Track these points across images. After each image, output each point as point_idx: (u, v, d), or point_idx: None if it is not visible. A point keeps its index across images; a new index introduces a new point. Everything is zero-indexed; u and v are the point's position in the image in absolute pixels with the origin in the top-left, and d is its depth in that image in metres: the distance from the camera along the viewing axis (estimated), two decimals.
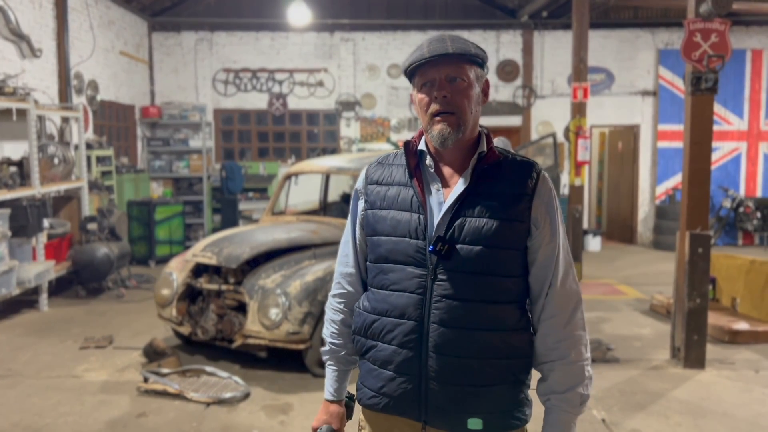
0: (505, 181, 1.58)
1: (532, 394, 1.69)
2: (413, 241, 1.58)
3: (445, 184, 1.62)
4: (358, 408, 1.78)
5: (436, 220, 1.57)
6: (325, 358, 1.80)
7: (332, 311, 1.79)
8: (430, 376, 1.56)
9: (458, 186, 1.58)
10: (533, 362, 1.64)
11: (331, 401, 1.78)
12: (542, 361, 1.61)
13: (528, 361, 1.62)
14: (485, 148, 1.60)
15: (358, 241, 1.75)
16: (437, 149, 1.63)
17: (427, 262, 1.56)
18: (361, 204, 1.72)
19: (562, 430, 1.57)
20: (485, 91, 1.63)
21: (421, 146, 1.66)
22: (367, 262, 1.71)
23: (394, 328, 1.59)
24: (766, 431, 3.86)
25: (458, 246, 1.54)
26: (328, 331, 1.79)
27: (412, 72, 1.60)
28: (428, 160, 1.63)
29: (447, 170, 1.63)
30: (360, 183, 1.74)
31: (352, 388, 1.79)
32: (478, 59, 1.57)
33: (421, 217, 1.58)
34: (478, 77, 1.59)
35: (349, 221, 1.78)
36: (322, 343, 1.83)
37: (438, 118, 1.56)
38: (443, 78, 1.55)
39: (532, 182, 1.58)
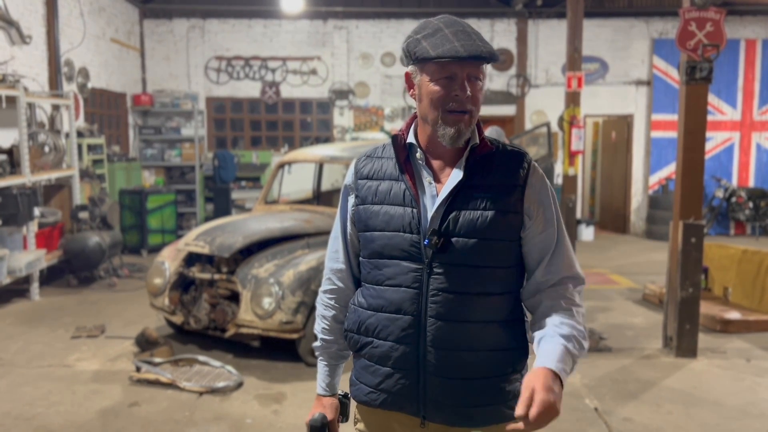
0: (497, 173, 1.57)
1: None
2: (407, 235, 1.56)
3: (437, 177, 1.60)
4: (352, 403, 1.76)
5: (430, 214, 1.55)
6: (316, 353, 1.79)
7: (323, 307, 1.77)
8: (429, 370, 1.55)
9: (452, 179, 1.56)
10: (534, 322, 1.60)
11: (324, 395, 1.77)
12: (544, 317, 1.55)
13: (523, 351, 1.63)
14: (477, 140, 1.59)
15: (348, 237, 1.72)
16: (428, 142, 1.60)
17: (422, 256, 1.55)
18: (352, 199, 1.69)
19: (562, 356, 1.45)
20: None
21: (410, 139, 1.63)
22: (361, 258, 1.69)
23: (390, 323, 1.58)
24: (756, 419, 3.88)
25: (453, 239, 1.53)
26: (319, 326, 1.78)
27: (427, 58, 1.50)
28: (419, 154, 1.61)
29: (437, 163, 1.61)
30: (349, 178, 1.71)
31: (346, 387, 1.77)
32: (495, 62, 1.55)
33: (415, 211, 1.56)
34: (485, 75, 1.58)
35: (338, 216, 1.75)
36: (315, 338, 1.82)
37: (453, 116, 1.52)
38: (465, 76, 1.51)
39: (523, 173, 1.57)
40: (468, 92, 1.50)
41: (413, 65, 1.56)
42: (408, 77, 1.60)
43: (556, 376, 1.41)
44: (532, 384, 1.38)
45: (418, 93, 1.57)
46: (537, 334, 1.54)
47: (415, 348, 1.55)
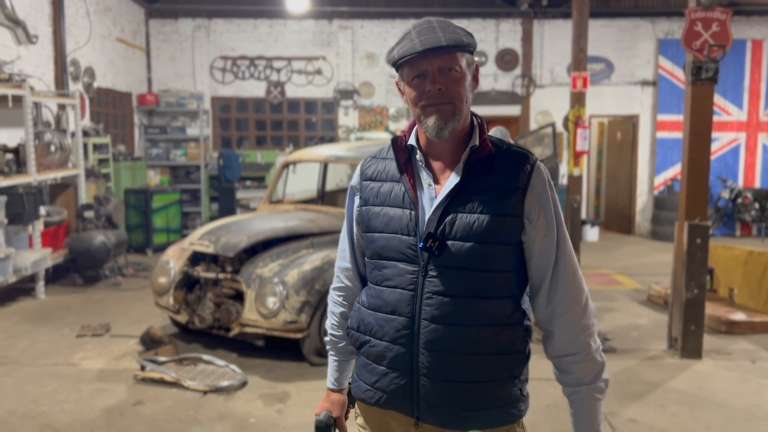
0: (497, 175, 1.54)
1: (531, 384, 1.69)
2: (405, 237, 1.55)
3: (437, 179, 1.59)
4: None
5: (427, 216, 1.54)
6: (327, 347, 1.84)
7: (332, 303, 1.82)
8: (422, 372, 1.54)
9: (450, 181, 1.55)
10: (550, 354, 1.62)
11: (333, 390, 1.81)
12: (562, 354, 1.58)
13: (522, 356, 1.60)
14: (477, 141, 1.57)
15: (354, 237, 1.74)
16: (428, 143, 1.60)
17: (418, 259, 1.54)
18: (357, 200, 1.71)
19: (595, 417, 1.57)
20: (475, 77, 1.59)
21: (411, 141, 1.63)
22: (365, 258, 1.70)
23: (386, 324, 1.58)
24: (762, 421, 3.87)
25: (449, 242, 1.51)
26: (329, 322, 1.83)
27: (400, 63, 1.54)
28: (418, 155, 1.60)
29: (437, 165, 1.60)
30: (355, 179, 1.73)
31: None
32: (470, 48, 1.53)
33: (413, 213, 1.55)
34: (469, 64, 1.55)
35: (346, 216, 1.78)
36: (326, 333, 1.87)
37: (432, 108, 1.51)
38: (435, 70, 1.49)
39: (525, 175, 1.53)
40: (438, 85, 1.50)
41: (397, 73, 1.60)
42: (398, 85, 1.62)
43: None
44: None
45: (405, 97, 1.59)
46: (566, 385, 1.60)
47: (409, 349, 1.55)
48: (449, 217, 1.52)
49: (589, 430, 1.57)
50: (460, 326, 1.52)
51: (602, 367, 1.58)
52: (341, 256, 1.79)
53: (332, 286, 1.82)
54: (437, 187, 1.57)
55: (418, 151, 1.61)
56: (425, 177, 1.59)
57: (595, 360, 1.57)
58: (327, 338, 1.83)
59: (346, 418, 1.81)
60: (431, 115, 1.52)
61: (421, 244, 1.52)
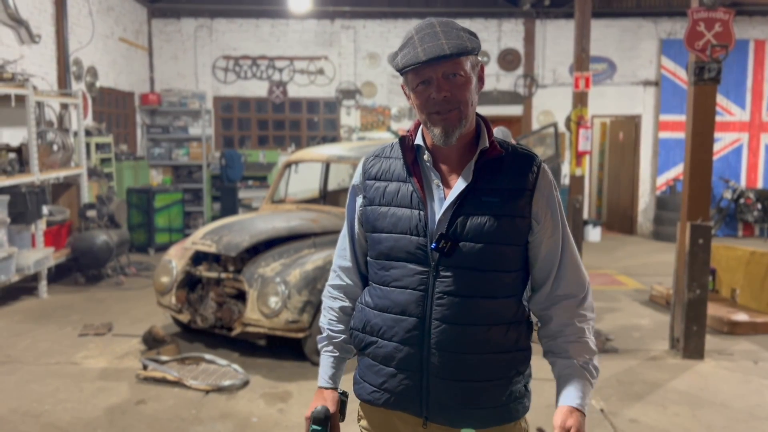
0: (505, 176, 1.55)
1: (533, 384, 1.70)
2: (414, 238, 1.55)
3: (445, 179, 1.59)
4: (354, 400, 1.74)
5: (437, 217, 1.55)
6: (321, 345, 1.76)
7: (330, 299, 1.77)
8: (432, 372, 1.55)
9: (460, 182, 1.55)
10: (544, 340, 1.65)
11: (326, 388, 1.71)
12: (557, 336, 1.61)
13: (526, 353, 1.62)
14: (487, 143, 1.57)
15: (356, 236, 1.72)
16: (434, 143, 1.59)
17: (428, 259, 1.54)
18: (360, 200, 1.69)
19: (581, 390, 1.55)
20: (481, 78, 1.59)
21: (418, 140, 1.62)
22: (368, 258, 1.68)
23: (395, 324, 1.58)
24: (763, 422, 3.86)
25: (460, 243, 1.52)
26: (325, 318, 1.77)
27: (399, 71, 1.54)
28: (426, 156, 1.60)
29: (445, 165, 1.60)
30: (357, 178, 1.70)
31: (345, 386, 1.75)
32: (474, 52, 1.51)
33: (422, 213, 1.55)
34: (474, 66, 1.54)
35: (346, 215, 1.75)
36: (320, 332, 1.80)
37: (438, 117, 1.51)
38: (440, 76, 1.49)
39: (532, 176, 1.56)
40: (443, 93, 1.49)
41: (402, 76, 1.59)
42: (404, 89, 1.61)
43: (583, 414, 1.53)
44: (569, 425, 1.49)
45: (412, 101, 1.58)
46: (556, 364, 1.60)
47: (419, 350, 1.55)
48: (460, 219, 1.53)
49: (574, 398, 1.54)
50: (469, 326, 1.53)
51: (594, 355, 1.60)
52: (341, 255, 1.76)
53: (329, 282, 1.78)
54: (446, 189, 1.57)
55: (426, 152, 1.60)
56: (434, 178, 1.59)
57: (588, 345, 1.59)
58: (323, 335, 1.75)
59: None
60: (438, 125, 1.52)
61: (433, 245, 1.52)
